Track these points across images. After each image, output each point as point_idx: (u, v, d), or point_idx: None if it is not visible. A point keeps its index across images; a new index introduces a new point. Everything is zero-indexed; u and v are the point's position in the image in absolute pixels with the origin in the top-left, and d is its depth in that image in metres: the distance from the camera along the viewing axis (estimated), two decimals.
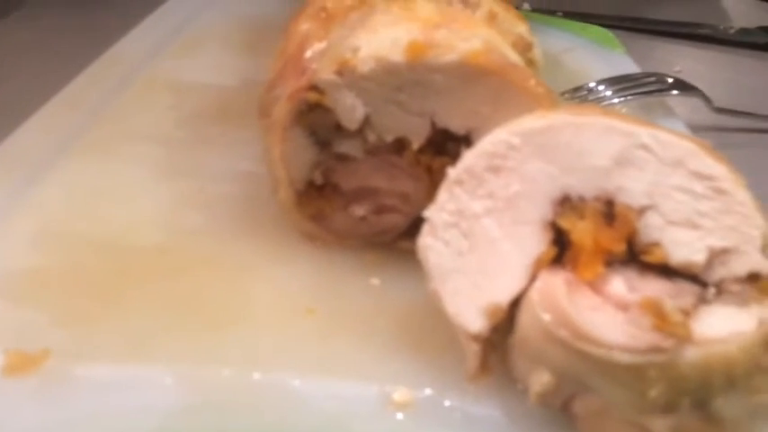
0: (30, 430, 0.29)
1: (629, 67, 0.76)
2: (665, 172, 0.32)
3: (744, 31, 1.01)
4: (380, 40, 0.36)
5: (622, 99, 0.65)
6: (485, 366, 0.32)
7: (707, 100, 0.68)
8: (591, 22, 0.92)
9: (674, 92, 0.67)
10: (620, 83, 0.67)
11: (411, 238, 0.41)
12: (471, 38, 0.36)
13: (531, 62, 0.44)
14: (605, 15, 1.01)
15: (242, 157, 0.49)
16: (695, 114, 0.70)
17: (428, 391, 0.32)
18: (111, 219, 0.41)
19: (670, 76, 0.69)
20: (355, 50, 0.36)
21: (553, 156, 0.32)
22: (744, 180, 0.32)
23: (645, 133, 0.32)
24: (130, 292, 0.36)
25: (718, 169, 0.32)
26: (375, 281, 0.39)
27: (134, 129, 0.51)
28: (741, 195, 0.31)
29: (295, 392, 0.31)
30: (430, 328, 0.35)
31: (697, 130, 0.68)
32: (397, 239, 0.41)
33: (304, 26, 0.40)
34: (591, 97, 0.65)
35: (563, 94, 0.66)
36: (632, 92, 0.66)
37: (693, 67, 0.90)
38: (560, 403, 0.31)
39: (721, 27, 1.03)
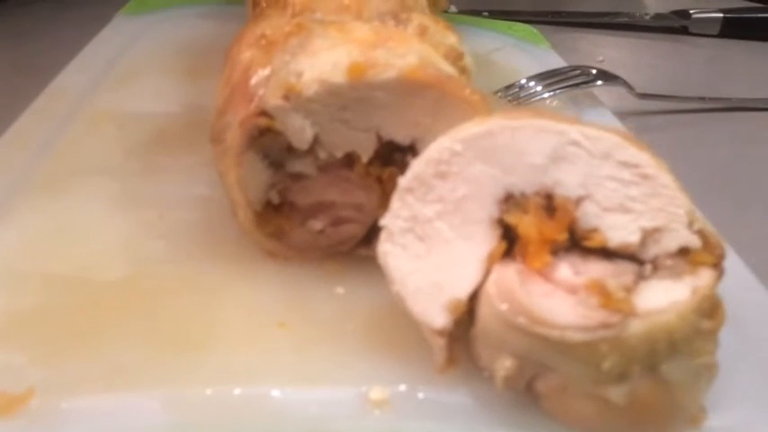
0: None
1: (555, 61, 0.80)
2: (596, 164, 0.34)
3: (658, 16, 1.06)
4: (322, 64, 0.38)
5: (552, 93, 0.69)
6: (452, 358, 0.34)
7: (629, 87, 0.73)
8: (515, 19, 0.96)
9: (599, 82, 0.71)
10: (548, 78, 0.71)
11: (368, 245, 0.43)
12: (407, 54, 0.38)
13: (463, 70, 0.46)
14: (528, 11, 1.06)
15: (195, 182, 0.50)
16: (620, 101, 0.75)
17: (402, 387, 0.34)
18: (73, 255, 0.42)
19: (594, 68, 0.72)
20: (299, 75, 0.38)
21: (494, 158, 0.35)
22: (665, 164, 0.35)
23: (574, 130, 0.35)
24: (103, 324, 0.37)
25: (641, 157, 0.35)
26: (339, 289, 0.41)
27: (84, 163, 0.51)
28: (664, 179, 0.34)
29: (276, 403, 0.33)
30: (396, 329, 0.37)
31: (623, 115, 0.72)
32: (355, 248, 0.44)
33: (246, 53, 0.42)
34: (522, 94, 0.69)
35: (496, 92, 0.70)
36: (560, 86, 0.70)
37: (615, 56, 0.94)
38: (524, 385, 0.34)
39: (637, 14, 1.08)
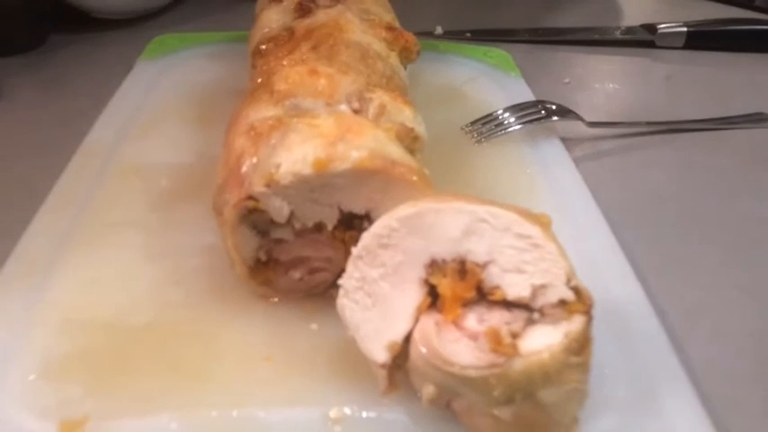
0: None
1: (522, 90, 0.90)
2: (498, 236, 0.45)
3: (628, 30, 1.14)
4: (294, 157, 0.49)
5: (514, 128, 0.79)
6: (392, 385, 0.46)
7: (581, 119, 0.83)
8: (495, 39, 1.05)
9: (555, 118, 0.81)
10: (511, 113, 0.81)
11: (337, 288, 0.55)
12: (361, 147, 0.49)
13: (416, 138, 0.57)
14: (507, 30, 1.15)
15: (205, 230, 0.60)
16: (576, 129, 0.84)
17: (355, 407, 0.46)
18: (111, 303, 0.53)
19: (553, 104, 0.82)
20: (277, 167, 0.49)
21: (422, 232, 0.45)
22: (552, 235, 0.46)
23: (482, 210, 0.45)
24: (134, 362, 0.49)
25: (533, 230, 0.45)
26: (314, 326, 0.52)
27: (116, 217, 0.62)
28: (550, 247, 0.45)
29: (262, 422, 0.45)
30: (353, 362, 0.47)
31: (577, 142, 0.82)
32: (327, 289, 0.55)
33: (239, 141, 0.53)
34: (485, 129, 0.79)
35: (463, 128, 0.80)
36: (521, 121, 0.80)
37: (581, 75, 1.03)
38: (444, 405, 0.45)
39: (611, 27, 1.16)
